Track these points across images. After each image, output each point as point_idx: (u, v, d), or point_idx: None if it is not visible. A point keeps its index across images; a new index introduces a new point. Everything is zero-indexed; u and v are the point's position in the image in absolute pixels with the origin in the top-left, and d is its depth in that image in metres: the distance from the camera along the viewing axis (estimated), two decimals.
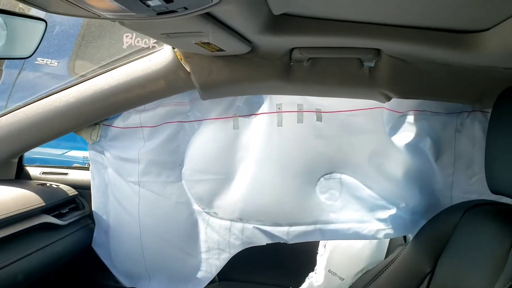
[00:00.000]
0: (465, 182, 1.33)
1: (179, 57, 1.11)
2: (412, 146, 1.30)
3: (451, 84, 1.14)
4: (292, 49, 1.05)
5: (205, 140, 1.26)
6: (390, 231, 1.28)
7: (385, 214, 1.30)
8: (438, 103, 1.28)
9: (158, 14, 0.60)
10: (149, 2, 0.54)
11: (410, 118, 1.30)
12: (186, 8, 0.58)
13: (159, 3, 0.55)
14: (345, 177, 1.30)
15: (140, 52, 1.22)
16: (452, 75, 1.11)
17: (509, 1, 0.69)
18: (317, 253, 1.43)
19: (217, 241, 1.30)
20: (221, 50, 0.95)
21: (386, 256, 1.41)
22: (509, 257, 0.85)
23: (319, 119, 1.24)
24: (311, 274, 1.42)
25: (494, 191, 1.04)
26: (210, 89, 1.14)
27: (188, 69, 1.11)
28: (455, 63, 1.07)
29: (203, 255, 1.33)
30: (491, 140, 1.03)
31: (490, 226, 0.98)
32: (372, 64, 1.09)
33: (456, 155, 1.32)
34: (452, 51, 0.94)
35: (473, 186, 1.33)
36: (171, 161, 1.32)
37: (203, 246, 1.33)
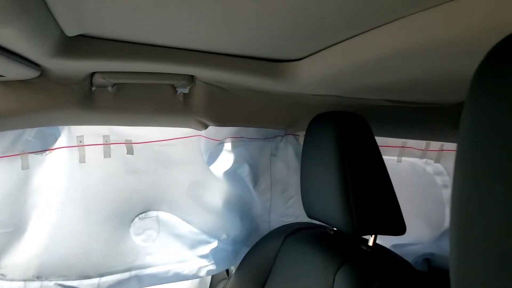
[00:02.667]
0: (282, 205, 1.38)
1: None
2: (231, 174, 1.29)
3: (267, 110, 1.16)
4: (94, 73, 0.92)
5: None
6: (212, 267, 1.24)
7: (207, 249, 1.25)
8: (254, 129, 1.30)
9: None
10: None
11: (228, 145, 1.29)
12: None
13: None
14: (162, 214, 1.21)
15: None
16: (268, 102, 1.13)
17: (319, 38, 0.72)
18: None
19: None
20: None
21: None
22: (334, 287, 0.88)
23: (130, 151, 1.12)
24: None
25: (310, 216, 1.09)
26: None
27: None
28: (271, 90, 1.10)
29: None
30: (305, 166, 1.08)
31: (312, 255, 1.02)
32: (186, 91, 1.03)
33: (273, 179, 1.36)
34: (267, 79, 0.95)
35: (290, 209, 1.39)
36: None
37: None
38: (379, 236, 0.98)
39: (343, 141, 0.93)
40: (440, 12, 0.53)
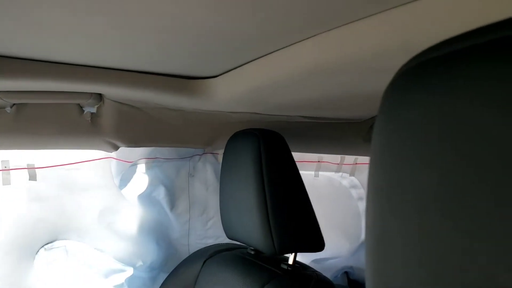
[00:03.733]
0: (201, 227, 1.35)
1: None
2: (146, 197, 1.24)
3: (184, 129, 1.13)
4: None
5: None
6: None
7: (121, 277, 1.19)
8: (170, 149, 1.26)
9: None
10: None
11: (142, 167, 1.24)
12: None
13: None
14: (71, 244, 1.12)
15: None
16: (184, 120, 1.11)
17: (234, 55, 0.72)
18: None
19: None
20: None
21: None
22: None
23: (32, 177, 1.03)
24: None
25: (229, 237, 1.07)
26: None
27: None
28: (186, 108, 1.07)
29: None
30: (224, 186, 1.06)
31: (232, 277, 1.00)
32: (94, 110, 0.98)
33: (191, 201, 1.32)
34: (181, 97, 0.93)
35: (209, 231, 1.36)
36: None
37: None
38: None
39: (261, 159, 0.93)
40: (350, 30, 0.54)
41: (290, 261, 0.98)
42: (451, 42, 0.20)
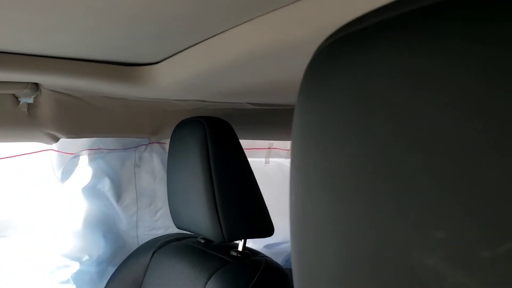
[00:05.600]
0: (150, 219, 1.33)
1: None
2: (90, 190, 1.20)
3: (127, 118, 1.10)
4: None
5: None
6: None
7: (67, 273, 1.15)
8: (114, 139, 1.23)
9: None
10: None
11: (84, 158, 1.20)
12: None
13: None
14: (10, 241, 1.08)
15: None
16: (127, 109, 1.08)
17: (174, 40, 0.71)
18: None
19: None
20: None
21: None
22: None
23: None
24: None
25: (178, 227, 1.07)
26: None
27: None
28: (128, 97, 1.05)
29: None
30: (171, 176, 1.05)
31: (182, 267, 1.00)
32: (31, 100, 0.94)
33: (138, 192, 1.30)
34: (121, 85, 0.91)
35: (158, 222, 1.34)
36: None
37: None
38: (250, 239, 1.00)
39: (207, 147, 0.93)
40: (290, 12, 0.54)
41: (240, 248, 0.99)
42: (364, 17, 0.20)
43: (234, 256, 0.98)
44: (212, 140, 0.93)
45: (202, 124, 0.95)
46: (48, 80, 0.88)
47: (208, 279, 0.90)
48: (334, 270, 0.21)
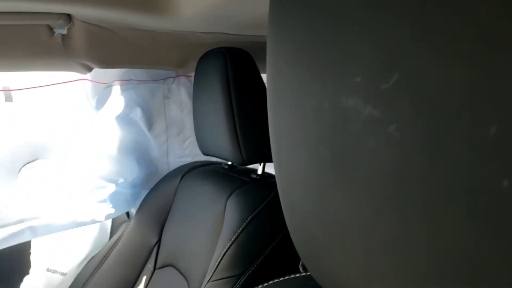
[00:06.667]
0: (179, 147, 1.41)
1: None
2: (123, 118, 1.28)
3: (155, 50, 1.15)
4: None
5: None
6: (111, 210, 1.25)
7: (104, 194, 1.25)
8: (143, 71, 1.28)
9: None
10: None
11: (117, 89, 1.27)
12: None
13: None
14: (52, 162, 1.17)
15: None
16: (154, 41, 1.12)
17: None
18: (30, 253, 1.27)
19: None
20: None
21: (110, 237, 1.38)
22: (225, 218, 0.93)
23: (8, 99, 1.06)
24: (26, 278, 1.25)
25: (204, 153, 1.14)
26: None
27: None
28: (155, 28, 1.08)
29: None
30: (196, 105, 1.10)
31: (206, 188, 1.07)
32: (64, 31, 0.99)
33: (168, 122, 1.37)
34: (149, 15, 0.94)
35: (187, 150, 1.42)
36: None
37: None
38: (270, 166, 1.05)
39: (228, 76, 0.97)
40: None
41: (259, 171, 1.05)
42: None
43: (254, 178, 1.04)
44: (233, 69, 0.97)
45: (223, 54, 0.99)
46: (80, 11, 0.93)
47: (229, 197, 0.97)
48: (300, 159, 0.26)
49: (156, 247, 1.19)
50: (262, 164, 1.05)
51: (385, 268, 0.23)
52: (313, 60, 0.23)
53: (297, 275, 0.45)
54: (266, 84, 0.31)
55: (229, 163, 1.17)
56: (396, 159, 0.20)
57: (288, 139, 0.28)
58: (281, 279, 0.45)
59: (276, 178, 0.34)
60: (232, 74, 0.97)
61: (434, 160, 0.18)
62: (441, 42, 0.17)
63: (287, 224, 0.36)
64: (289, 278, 0.45)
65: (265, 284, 0.45)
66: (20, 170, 1.13)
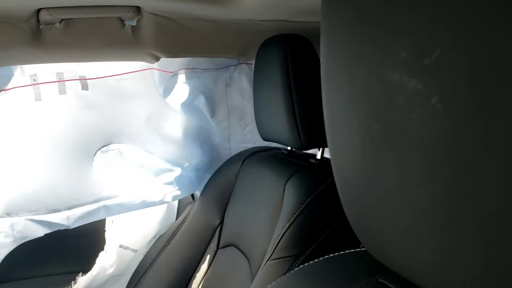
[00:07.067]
0: (240, 133, 1.45)
1: None
2: (188, 105, 1.34)
3: (218, 39, 1.19)
4: (39, 10, 0.93)
5: None
6: (177, 192, 1.31)
7: (171, 176, 1.32)
8: (206, 60, 1.33)
9: None
10: None
11: (182, 77, 1.33)
12: None
13: None
14: (124, 147, 1.25)
15: None
16: (217, 30, 1.16)
17: None
18: (104, 230, 1.37)
19: None
20: None
21: (177, 217, 1.45)
22: (283, 200, 0.96)
23: (84, 87, 1.15)
24: (101, 254, 1.36)
25: (265, 139, 1.16)
26: None
27: None
28: (218, 19, 1.12)
29: None
30: (257, 91, 1.13)
31: (266, 172, 1.10)
32: (134, 23, 1.05)
33: (229, 109, 1.42)
34: (212, 6, 0.98)
35: (247, 136, 1.46)
36: None
37: None
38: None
39: (287, 61, 0.98)
40: None
41: (318, 156, 1.07)
42: None
43: (312, 163, 1.06)
44: (292, 55, 0.98)
45: (283, 41, 1.01)
46: (148, 3, 0.98)
47: (287, 181, 0.99)
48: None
49: (219, 228, 1.24)
50: (321, 149, 1.06)
51: (436, 238, 0.25)
52: (362, 38, 0.25)
53: (351, 250, 0.46)
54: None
55: (288, 148, 1.19)
56: (439, 128, 0.21)
57: (341, 116, 0.30)
58: (336, 254, 0.47)
59: (330, 155, 0.36)
60: (291, 60, 0.99)
61: (475, 126, 0.20)
62: (482, 15, 0.18)
63: (341, 199, 0.37)
64: (345, 253, 0.47)
65: (321, 259, 0.47)
66: (95, 153, 1.22)
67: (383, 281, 0.38)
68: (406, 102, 0.22)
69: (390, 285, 0.37)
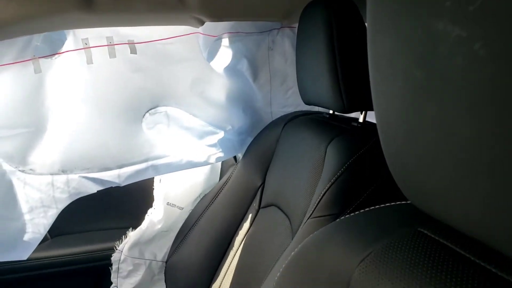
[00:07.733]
0: (282, 97, 1.46)
1: None
2: (231, 69, 1.35)
3: (261, 2, 1.19)
4: None
5: (2, 91, 1.10)
6: (220, 154, 1.35)
7: (214, 139, 1.36)
8: (249, 24, 1.33)
9: None
10: None
11: (225, 41, 1.34)
12: None
13: None
14: (170, 110, 1.29)
15: None
16: None
17: None
18: (153, 189, 1.44)
19: (40, 199, 1.20)
20: None
21: (220, 178, 1.50)
22: (325, 162, 0.97)
23: (133, 51, 1.18)
24: (150, 210, 1.43)
25: (307, 102, 1.17)
26: None
27: None
28: None
29: (27, 216, 1.22)
30: (300, 55, 1.13)
31: (307, 135, 1.11)
32: None
33: (271, 73, 1.42)
34: None
35: (289, 100, 1.47)
36: None
37: (24, 207, 1.21)
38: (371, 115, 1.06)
39: (331, 24, 0.97)
40: None
41: (360, 120, 1.07)
42: None
43: (354, 126, 1.06)
44: (336, 18, 0.97)
45: (326, 3, 0.99)
46: None
47: (329, 143, 1.00)
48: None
49: (260, 188, 1.27)
50: (363, 112, 1.06)
51: (478, 186, 0.26)
52: None
53: (393, 203, 0.48)
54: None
55: (330, 112, 1.19)
56: (482, 74, 0.22)
57: (386, 67, 0.31)
58: (377, 206, 0.49)
59: (375, 110, 0.37)
60: (336, 22, 0.98)
61: None
62: None
63: (384, 152, 0.38)
64: (385, 205, 0.48)
65: (361, 211, 0.49)
66: (144, 115, 1.26)
67: (422, 230, 0.40)
68: (449, 49, 0.23)
69: (429, 234, 0.39)
